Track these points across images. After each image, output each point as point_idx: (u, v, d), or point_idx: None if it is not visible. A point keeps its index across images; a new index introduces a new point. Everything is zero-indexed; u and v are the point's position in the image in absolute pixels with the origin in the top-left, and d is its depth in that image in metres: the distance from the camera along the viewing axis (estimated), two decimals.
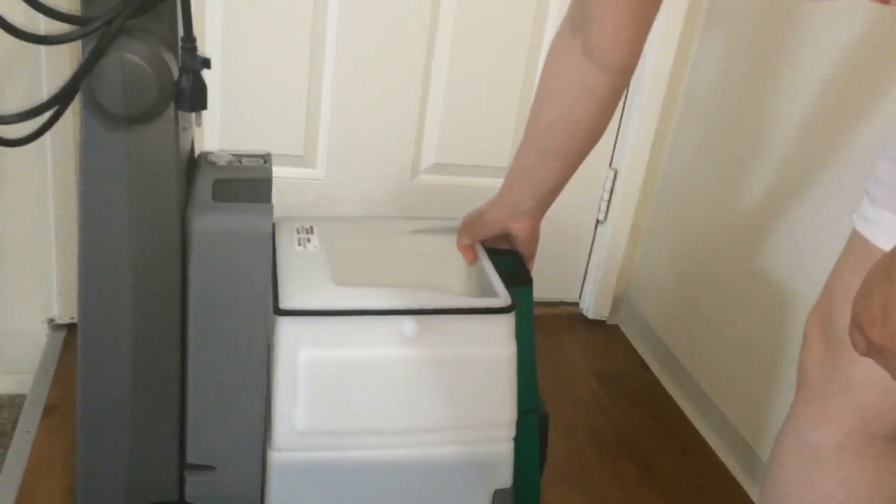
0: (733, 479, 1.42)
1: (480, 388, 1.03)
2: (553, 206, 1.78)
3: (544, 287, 1.84)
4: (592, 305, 1.84)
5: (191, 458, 1.00)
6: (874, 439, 0.82)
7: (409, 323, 0.99)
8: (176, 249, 0.92)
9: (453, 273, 1.13)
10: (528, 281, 1.09)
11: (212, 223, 0.92)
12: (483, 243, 1.12)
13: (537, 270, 1.80)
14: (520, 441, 1.08)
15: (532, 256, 1.12)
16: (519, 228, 1.08)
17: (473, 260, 1.11)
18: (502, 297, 1.03)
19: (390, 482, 1.05)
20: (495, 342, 1.03)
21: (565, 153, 1.01)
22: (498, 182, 1.72)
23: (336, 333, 0.98)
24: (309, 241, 1.09)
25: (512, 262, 1.10)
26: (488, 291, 1.05)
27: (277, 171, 1.61)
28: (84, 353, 0.95)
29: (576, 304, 1.88)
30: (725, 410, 1.48)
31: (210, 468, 1.01)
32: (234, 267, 0.93)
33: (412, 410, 1.02)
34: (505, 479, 1.08)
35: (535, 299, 1.82)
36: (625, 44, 0.88)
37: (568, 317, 1.86)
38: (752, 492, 1.39)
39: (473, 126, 1.66)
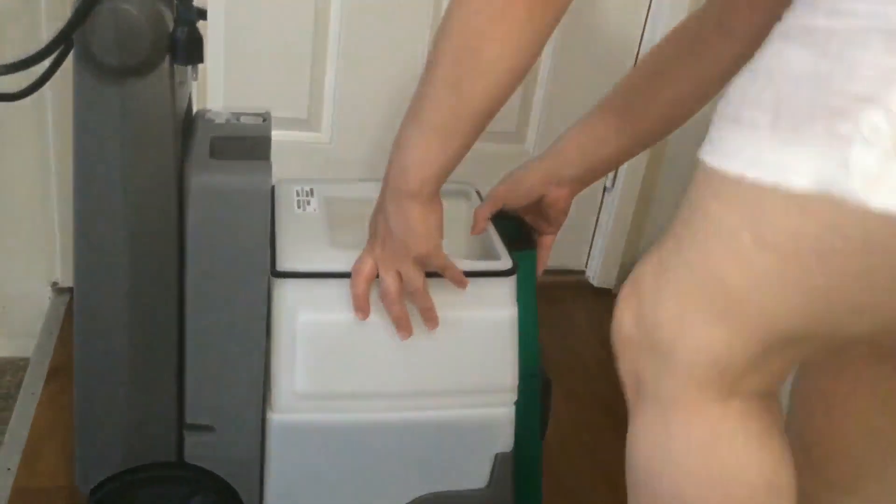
0: None
1: (481, 352, 1.02)
2: None
3: (550, 255, 1.83)
4: (599, 273, 1.82)
5: (189, 418, 1.00)
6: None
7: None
8: (173, 206, 0.91)
9: (455, 237, 1.12)
10: (531, 245, 1.07)
11: (209, 180, 0.91)
12: (512, 211, 1.09)
13: None
14: (521, 406, 1.07)
15: (559, 227, 1.10)
16: (556, 196, 1.04)
17: (481, 231, 1.07)
18: (504, 260, 1.02)
19: (390, 445, 1.04)
20: (496, 305, 1.01)
21: (662, 125, 1.00)
22: (508, 147, 1.73)
23: (334, 296, 0.97)
24: (309, 203, 1.08)
25: (516, 226, 1.08)
26: (490, 254, 1.03)
27: (280, 136, 1.61)
28: (81, 312, 0.94)
29: (582, 273, 1.87)
30: None
31: (209, 428, 1.00)
32: (231, 225, 0.92)
33: (412, 373, 1.01)
34: (506, 443, 1.07)
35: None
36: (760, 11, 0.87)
37: (574, 285, 1.85)
38: None
39: None
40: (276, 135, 1.59)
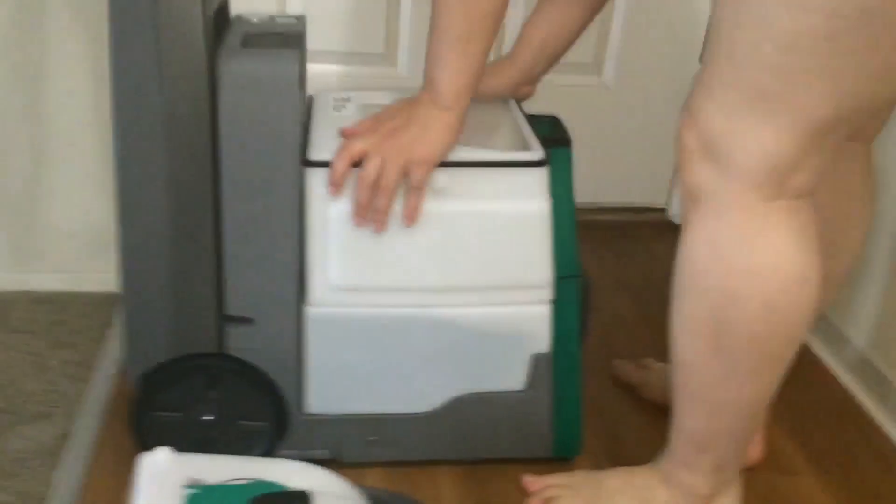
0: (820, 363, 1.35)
1: (514, 246, 1.01)
2: (639, 107, 1.73)
3: (630, 192, 1.79)
4: (681, 211, 1.76)
5: (229, 310, 1.03)
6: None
7: (439, 174, 0.97)
8: (204, 93, 0.94)
9: (489, 135, 1.11)
10: (566, 142, 1.05)
11: (238, 67, 0.93)
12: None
13: (621, 176, 1.75)
14: (559, 307, 1.05)
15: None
16: (526, 93, 1.11)
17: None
18: (535, 151, 1.00)
19: (426, 340, 1.04)
20: (528, 197, 1.00)
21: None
22: (585, 79, 1.70)
23: None
24: (345, 107, 1.09)
25: (550, 125, 1.07)
26: (522, 147, 1.02)
27: (357, 72, 1.64)
28: (122, 203, 0.98)
29: (663, 210, 1.82)
30: None
31: (248, 320, 1.03)
32: (261, 113, 0.94)
33: (445, 267, 1.01)
34: (543, 343, 1.05)
35: (619, 205, 1.79)
36: None
37: (655, 223, 1.80)
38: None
39: None
40: (353, 70, 1.64)
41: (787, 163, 0.82)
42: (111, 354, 1.35)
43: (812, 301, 0.87)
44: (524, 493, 1.09)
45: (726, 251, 0.86)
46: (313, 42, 1.59)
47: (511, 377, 1.07)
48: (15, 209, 1.51)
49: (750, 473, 1.14)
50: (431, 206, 0.99)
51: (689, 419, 0.96)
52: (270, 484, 0.81)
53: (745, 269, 0.85)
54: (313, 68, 1.58)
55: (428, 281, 1.02)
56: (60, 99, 1.42)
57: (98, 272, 1.48)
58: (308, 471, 0.86)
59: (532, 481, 1.08)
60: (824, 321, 1.41)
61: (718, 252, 0.86)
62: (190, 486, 0.79)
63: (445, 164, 0.98)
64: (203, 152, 0.95)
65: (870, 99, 0.82)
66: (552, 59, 1.12)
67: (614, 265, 1.65)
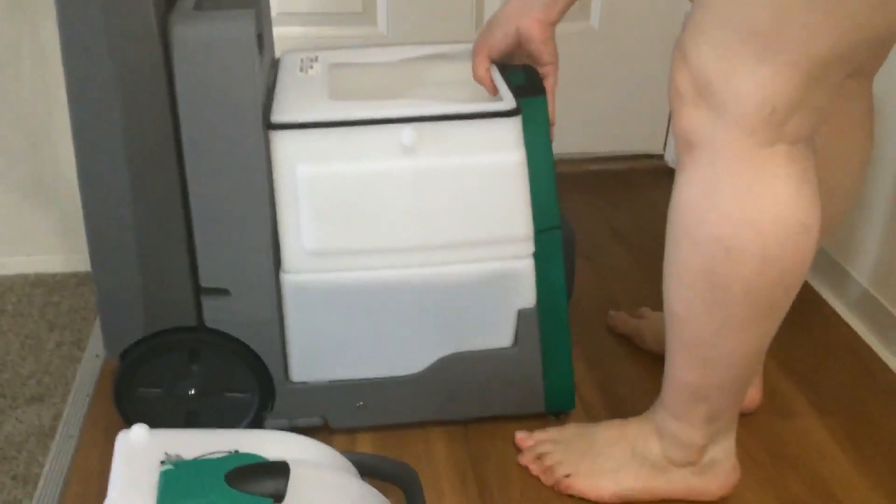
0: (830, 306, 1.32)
1: (490, 200, 0.98)
2: (629, 50, 1.68)
3: (626, 139, 1.76)
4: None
5: (204, 282, 1.01)
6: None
7: (406, 130, 0.94)
8: (159, 61, 0.91)
9: (459, 88, 1.07)
10: (540, 91, 1.01)
11: (190, 31, 0.90)
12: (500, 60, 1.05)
13: (614, 123, 1.71)
14: (542, 261, 1.02)
15: (551, 68, 1.03)
16: (529, 26, 1.00)
17: (486, 81, 1.02)
18: (506, 101, 0.97)
19: (408, 302, 1.02)
20: (501, 149, 0.97)
21: None
22: (574, 25, 1.64)
23: (333, 146, 0.96)
24: (312, 67, 1.06)
25: (524, 74, 1.03)
26: (494, 98, 0.99)
27: (336, 32, 1.61)
28: (84, 183, 0.96)
29: (660, 157, 1.78)
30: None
31: (224, 291, 1.01)
32: (218, 78, 0.91)
33: (420, 226, 0.99)
34: (528, 298, 1.03)
35: (614, 154, 1.75)
36: None
37: (653, 170, 1.76)
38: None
39: None
40: (332, 31, 1.61)
41: (785, 105, 0.78)
42: (100, 334, 1.34)
43: (811, 250, 0.84)
44: (518, 451, 1.08)
45: (722, 200, 0.82)
46: (288, 4, 1.56)
47: (498, 334, 1.05)
48: (12, 196, 1.50)
49: (750, 417, 1.12)
50: (403, 164, 0.96)
51: (682, 371, 0.93)
52: (249, 455, 0.80)
53: (741, 218, 0.81)
54: (289, 31, 1.55)
55: (404, 241, 0.99)
56: (47, 79, 1.41)
57: None
58: (290, 440, 0.85)
59: (523, 438, 1.07)
60: (825, 258, 1.38)
61: (713, 201, 0.82)
62: (166, 462, 0.78)
63: (413, 119, 0.95)
64: (162, 122, 0.93)
65: (869, 33, 0.77)
66: None
67: (610, 215, 1.62)
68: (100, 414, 1.17)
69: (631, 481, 0.99)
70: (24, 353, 1.34)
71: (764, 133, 0.79)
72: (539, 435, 1.06)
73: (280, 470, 0.76)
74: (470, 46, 1.06)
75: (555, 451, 1.03)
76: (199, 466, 0.77)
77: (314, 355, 1.05)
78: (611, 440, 1.01)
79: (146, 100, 0.92)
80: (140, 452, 0.78)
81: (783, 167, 0.80)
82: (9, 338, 1.38)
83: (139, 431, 0.80)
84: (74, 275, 1.53)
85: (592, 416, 1.13)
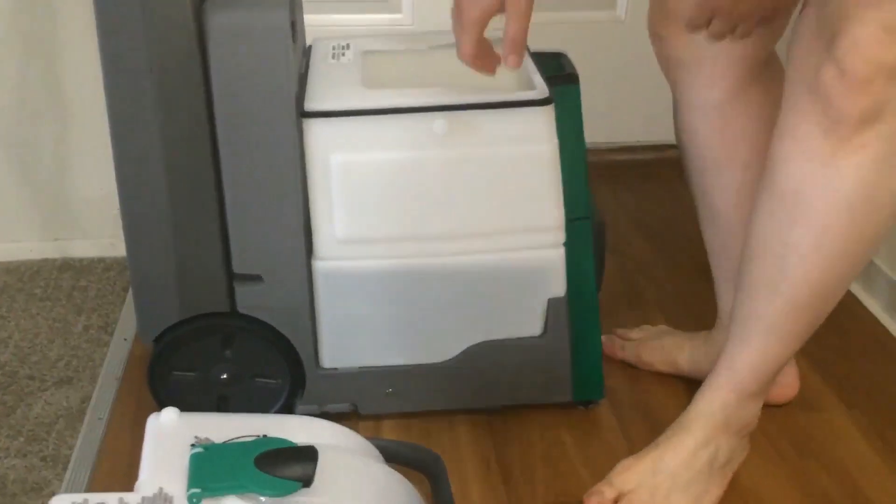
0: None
1: (521, 189, 0.99)
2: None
3: (650, 130, 1.75)
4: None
5: (237, 268, 1.01)
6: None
7: (439, 120, 0.95)
8: (194, 50, 0.91)
9: (494, 82, 1.07)
10: (573, 79, 1.01)
11: (225, 20, 0.91)
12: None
13: (640, 113, 1.71)
14: (573, 249, 1.02)
15: (519, 25, 0.88)
16: None
17: (493, 68, 0.91)
18: (539, 90, 0.97)
19: (439, 290, 1.03)
20: (533, 138, 0.97)
21: None
22: (599, 14, 1.64)
23: (366, 135, 0.96)
24: (344, 55, 1.07)
25: (556, 62, 1.03)
26: (526, 86, 0.99)
27: (359, 20, 1.61)
28: (119, 168, 0.97)
29: None
30: None
31: (257, 278, 1.02)
32: (253, 66, 0.92)
33: (452, 214, 0.99)
34: (558, 287, 1.03)
35: (640, 143, 1.74)
36: None
37: (678, 161, 1.75)
38: None
39: None
40: (356, 19, 1.61)
41: None
42: (129, 318, 1.35)
43: None
44: (543, 440, 1.08)
45: None
46: None
47: (527, 323, 1.05)
48: (42, 181, 1.52)
49: (777, 410, 1.12)
50: (435, 153, 0.96)
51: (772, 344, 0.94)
52: (278, 440, 0.80)
53: None
54: (313, 18, 1.56)
55: (436, 229, 1.00)
56: (77, 69, 1.42)
57: (122, 238, 1.49)
58: (317, 426, 0.85)
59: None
60: None
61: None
62: (196, 445, 0.78)
63: (446, 108, 0.95)
64: (197, 110, 0.93)
65: None
66: None
67: (635, 207, 1.61)
68: (129, 397, 1.18)
69: (718, 489, 0.98)
70: (53, 336, 1.36)
71: None
72: (601, 487, 0.97)
73: (309, 454, 0.76)
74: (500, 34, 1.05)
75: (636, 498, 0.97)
76: (229, 450, 0.78)
77: (345, 342, 1.05)
78: (685, 464, 0.96)
79: (181, 87, 0.92)
80: (170, 435, 0.79)
81: None
82: (37, 321, 1.39)
83: (170, 414, 0.81)
84: (101, 260, 1.54)
85: (617, 408, 1.13)
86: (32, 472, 1.10)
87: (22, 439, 1.15)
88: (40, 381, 1.26)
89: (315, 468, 0.74)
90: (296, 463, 0.75)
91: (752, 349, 0.94)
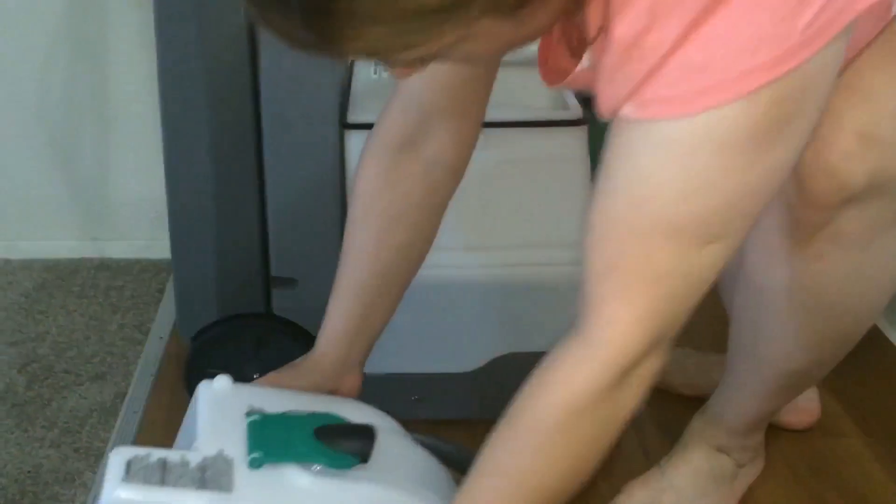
0: None
1: (554, 205, 1.02)
2: None
3: None
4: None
5: (275, 271, 1.05)
6: None
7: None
8: (246, 59, 0.96)
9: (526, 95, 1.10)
10: None
11: None
12: None
13: None
14: None
15: None
16: (351, 386, 0.92)
17: None
18: (573, 110, 1.00)
19: (468, 301, 1.06)
20: (567, 156, 1.00)
21: (408, 276, 0.90)
22: None
23: None
24: (385, 71, 1.10)
25: None
26: (560, 106, 1.02)
27: None
28: (169, 171, 1.01)
29: None
30: None
31: (293, 281, 1.05)
32: (301, 75, 0.96)
33: (484, 227, 1.02)
34: None
35: None
36: (468, 142, 0.85)
37: None
38: None
39: None
40: None
41: None
42: (164, 318, 1.39)
43: None
44: None
45: None
46: None
47: (554, 336, 1.07)
48: (83, 181, 1.56)
49: (795, 434, 1.13)
50: (470, 167, 0.99)
51: (762, 402, 0.95)
52: (333, 416, 0.77)
53: None
54: None
55: (468, 241, 1.02)
56: (122, 72, 1.47)
57: (158, 240, 1.51)
58: (364, 409, 0.85)
59: None
60: None
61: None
62: (252, 413, 0.75)
63: (483, 124, 0.98)
64: (245, 116, 0.97)
65: None
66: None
67: None
68: (163, 393, 1.21)
69: (731, 502, 1.00)
70: (89, 333, 1.39)
71: None
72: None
73: (367, 432, 0.75)
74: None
75: None
76: (287, 420, 0.75)
77: (374, 347, 1.08)
78: (689, 479, 0.98)
79: (232, 96, 0.96)
80: (224, 402, 0.76)
81: None
82: (74, 318, 1.43)
83: (223, 381, 0.78)
84: (137, 261, 1.58)
85: (637, 421, 1.14)
86: (66, 462, 1.14)
87: (56, 431, 1.18)
88: (75, 375, 1.29)
89: (373, 445, 0.73)
90: (355, 439, 0.74)
91: (740, 399, 0.96)
